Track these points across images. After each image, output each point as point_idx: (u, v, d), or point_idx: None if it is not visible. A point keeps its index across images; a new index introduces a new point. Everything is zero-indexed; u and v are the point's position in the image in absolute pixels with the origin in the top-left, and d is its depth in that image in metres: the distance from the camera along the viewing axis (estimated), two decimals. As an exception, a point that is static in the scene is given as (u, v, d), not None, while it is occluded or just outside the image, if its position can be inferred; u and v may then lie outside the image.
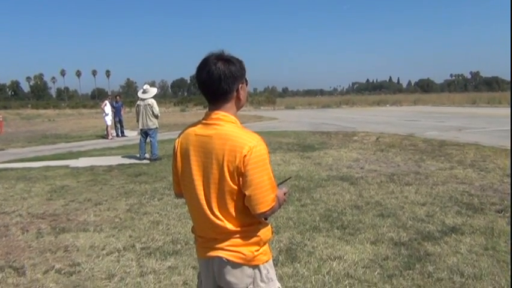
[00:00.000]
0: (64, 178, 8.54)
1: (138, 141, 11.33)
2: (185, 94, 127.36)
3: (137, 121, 10.88)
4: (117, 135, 17.75)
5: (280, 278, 3.53)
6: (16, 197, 7.01)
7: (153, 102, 10.69)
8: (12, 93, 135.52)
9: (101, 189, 7.40)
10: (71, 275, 3.88)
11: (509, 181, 6.99)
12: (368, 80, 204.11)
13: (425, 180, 7.35)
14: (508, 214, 5.24)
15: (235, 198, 1.77)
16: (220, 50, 1.82)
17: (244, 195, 1.75)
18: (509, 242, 4.26)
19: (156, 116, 10.78)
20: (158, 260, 4.14)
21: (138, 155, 11.02)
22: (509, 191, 6.29)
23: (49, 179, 8.43)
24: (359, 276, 3.65)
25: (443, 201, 5.92)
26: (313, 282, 3.54)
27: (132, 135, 17.31)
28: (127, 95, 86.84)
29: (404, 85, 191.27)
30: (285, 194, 1.93)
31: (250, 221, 1.81)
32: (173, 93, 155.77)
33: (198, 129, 1.83)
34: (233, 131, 1.76)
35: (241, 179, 1.73)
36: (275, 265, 3.82)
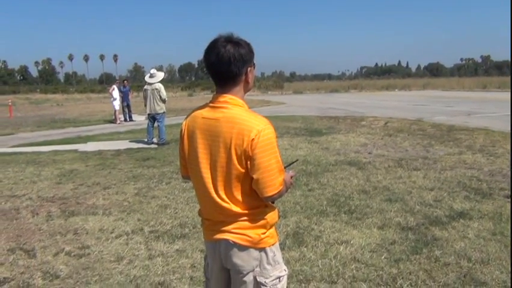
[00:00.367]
0: (73, 162, 8.61)
1: (146, 125, 11.36)
2: (193, 79, 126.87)
3: (145, 106, 10.90)
4: (125, 120, 17.81)
5: (287, 262, 3.56)
6: (26, 180, 7.09)
7: (160, 86, 10.68)
8: (21, 77, 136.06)
9: (110, 173, 7.46)
10: (81, 257, 3.93)
11: (510, 169, 6.93)
12: (376, 64, 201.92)
13: (434, 165, 7.31)
14: (517, 199, 5.21)
15: (242, 181, 1.77)
16: (229, 32, 1.81)
17: (252, 178, 1.74)
18: (510, 229, 4.23)
19: (163, 101, 10.78)
20: (166, 243, 4.19)
21: (146, 140, 11.07)
22: (510, 179, 6.24)
23: (58, 163, 8.51)
24: (366, 260, 3.66)
25: (451, 186, 5.90)
26: (320, 266, 3.56)
27: (140, 119, 17.37)
28: (135, 80, 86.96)
29: (413, 69, 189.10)
30: (292, 177, 1.93)
31: (257, 204, 1.81)
32: (180, 78, 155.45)
33: (205, 112, 1.82)
34: (241, 115, 1.75)
35: (248, 162, 1.72)
36: (282, 249, 3.84)
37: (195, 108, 1.91)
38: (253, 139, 1.69)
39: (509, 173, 6.58)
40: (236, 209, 1.78)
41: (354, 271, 3.47)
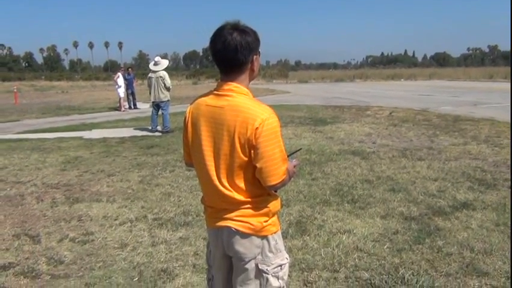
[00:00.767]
0: (78, 149, 8.65)
1: (150, 113, 11.37)
2: (198, 67, 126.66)
3: (150, 93, 10.90)
4: (129, 108, 17.83)
5: (289, 251, 3.57)
6: (31, 167, 7.14)
7: (165, 74, 10.66)
8: (26, 64, 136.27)
9: (114, 161, 7.49)
10: (85, 244, 3.97)
11: (510, 167, 6.89)
12: (382, 54, 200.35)
13: (438, 155, 7.28)
14: (521, 190, 5.19)
15: (245, 169, 1.77)
16: (236, 20, 1.79)
17: (255, 167, 1.74)
18: (510, 221, 4.22)
19: (168, 89, 10.77)
20: (169, 231, 4.21)
21: (150, 128, 11.08)
22: (510, 177, 6.22)
23: (63, 150, 8.55)
24: (368, 249, 3.67)
25: (455, 177, 5.88)
26: (323, 255, 3.58)
27: (145, 107, 17.37)
28: (139, 67, 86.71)
29: (420, 59, 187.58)
30: (295, 166, 1.92)
31: (260, 192, 1.81)
32: (185, 66, 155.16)
33: (210, 100, 1.82)
34: (245, 103, 1.74)
35: (252, 151, 1.72)
36: (285, 238, 3.86)
37: (199, 96, 1.91)
38: (257, 128, 1.69)
39: (514, 164, 6.55)
40: (239, 197, 1.79)
41: (356, 260, 3.48)
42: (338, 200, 5.03)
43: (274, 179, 1.75)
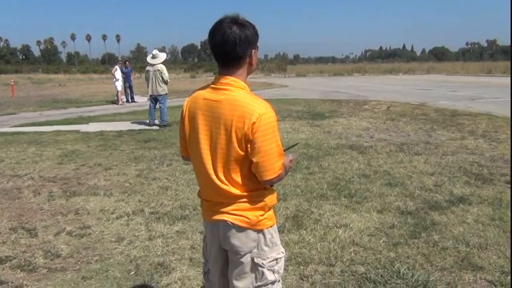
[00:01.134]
0: (75, 143, 8.63)
1: (148, 107, 11.34)
2: (196, 60, 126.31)
3: (148, 87, 10.87)
4: (127, 101, 17.80)
5: (286, 245, 3.59)
6: (28, 160, 7.12)
7: (162, 67, 10.62)
8: (23, 57, 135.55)
9: (111, 154, 7.48)
10: (82, 237, 3.97)
11: (510, 165, 6.91)
12: (381, 48, 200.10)
13: (435, 150, 7.30)
14: (518, 185, 5.21)
15: (242, 164, 1.77)
16: (235, 13, 1.78)
17: (251, 161, 1.74)
18: (509, 215, 4.24)
19: (165, 82, 10.74)
20: (166, 225, 4.22)
21: (148, 121, 11.07)
22: (510, 174, 6.24)
23: (60, 143, 8.54)
24: (364, 243, 3.68)
25: (452, 171, 5.90)
26: (319, 249, 3.59)
27: (142, 100, 17.33)
28: (137, 61, 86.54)
29: (418, 53, 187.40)
30: (291, 161, 1.92)
31: (256, 186, 1.82)
32: (183, 59, 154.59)
33: (207, 94, 1.81)
34: (243, 97, 1.74)
35: (249, 145, 1.72)
36: (282, 232, 3.87)
37: (197, 89, 1.90)
38: (254, 122, 1.69)
39: (510, 158, 6.57)
40: (235, 191, 1.79)
41: (352, 254, 3.49)
42: (334, 194, 5.04)
43: (270, 174, 1.76)
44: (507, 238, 3.73)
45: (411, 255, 3.46)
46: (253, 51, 1.79)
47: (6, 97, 21.34)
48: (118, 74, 17.43)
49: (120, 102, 17.13)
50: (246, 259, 1.86)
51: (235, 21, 1.75)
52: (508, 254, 3.44)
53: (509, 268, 3.20)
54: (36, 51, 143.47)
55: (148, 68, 10.83)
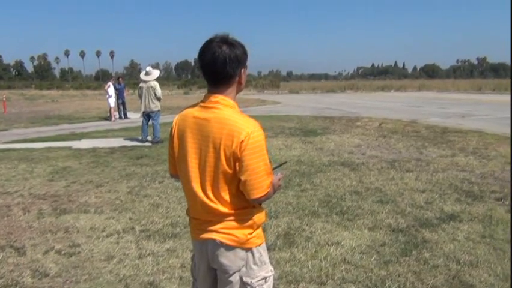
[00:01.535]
0: (66, 159, 8.58)
1: (141, 123, 11.33)
2: (189, 77, 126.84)
3: (141, 103, 10.88)
4: (120, 117, 17.78)
5: (277, 263, 3.58)
6: (18, 177, 7.06)
7: (156, 84, 10.65)
8: (16, 73, 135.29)
9: (103, 171, 7.44)
10: (71, 256, 3.92)
11: (510, 169, 6.97)
12: (373, 65, 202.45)
13: (426, 167, 7.34)
14: (508, 202, 5.25)
15: (230, 182, 1.77)
16: (225, 33, 1.81)
17: (239, 180, 1.75)
18: (510, 230, 4.27)
19: (158, 99, 10.76)
20: (157, 243, 4.18)
21: (140, 138, 11.04)
22: (510, 179, 6.28)
23: (51, 160, 8.48)
24: (356, 261, 3.67)
25: (443, 188, 5.93)
26: (310, 267, 3.57)
27: (135, 117, 17.30)
28: (131, 77, 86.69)
29: (410, 70, 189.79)
30: (280, 179, 1.93)
31: (245, 204, 1.82)
32: (177, 76, 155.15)
33: (196, 112, 1.83)
34: (231, 116, 1.76)
35: (237, 164, 1.73)
36: (273, 250, 3.87)
37: (186, 107, 1.92)
38: (242, 141, 1.70)
39: (500, 175, 6.63)
40: (223, 209, 1.79)
41: (343, 272, 3.48)
42: (326, 211, 5.04)
43: (258, 192, 1.76)
44: (497, 256, 3.75)
45: (402, 273, 3.45)
46: (242, 70, 1.82)
47: (-2, 113, 21.23)
48: (111, 90, 17.45)
49: (113, 119, 17.11)
50: (235, 278, 1.86)
51: (225, 40, 1.78)
52: (499, 271, 3.44)
53: (508, 278, 3.20)
54: (29, 67, 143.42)
55: (141, 84, 10.86)
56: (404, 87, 51.06)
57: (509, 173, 6.71)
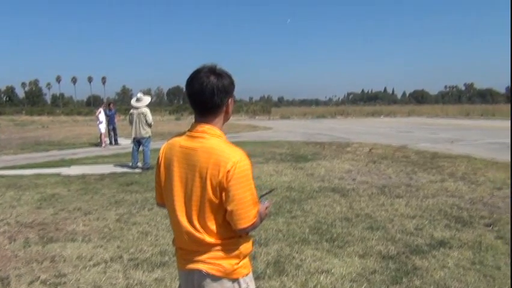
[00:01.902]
0: (55, 186, 8.49)
1: (131, 149, 11.29)
2: (181, 102, 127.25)
3: (131, 130, 10.87)
4: (110, 143, 17.71)
5: (266, 292, 3.52)
6: (5, 205, 6.96)
7: (147, 110, 10.68)
8: (7, 99, 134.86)
9: (92, 198, 7.37)
10: (56, 286, 3.84)
11: (499, 194, 7.03)
12: (363, 91, 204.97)
13: (416, 192, 7.37)
14: (497, 228, 5.27)
15: (216, 212, 1.77)
16: (213, 63, 1.85)
17: (226, 209, 1.75)
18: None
19: (149, 125, 10.77)
20: (145, 272, 4.12)
21: (130, 164, 10.99)
22: (499, 205, 6.33)
23: (40, 187, 8.39)
24: (346, 290, 3.64)
25: (433, 214, 5.94)
26: (300, 296, 3.53)
27: (126, 143, 17.25)
28: (123, 102, 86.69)
29: (399, 96, 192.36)
30: (266, 208, 1.94)
31: (231, 234, 1.81)
32: (169, 101, 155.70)
33: (183, 141, 1.84)
34: (218, 145, 1.77)
35: (223, 193, 1.73)
36: (262, 278, 3.82)
37: (174, 135, 1.94)
38: (228, 171, 1.71)
39: (489, 201, 6.67)
40: (209, 239, 1.78)
41: (333, 301, 3.44)
42: (316, 238, 5.01)
43: (244, 222, 1.76)
44: (487, 282, 3.74)
45: (392, 302, 3.42)
46: (229, 100, 1.85)
47: (-13, 139, 21.05)
48: (102, 116, 17.45)
49: (103, 145, 17.03)
50: (221, 309, 1.83)
51: (213, 71, 1.81)
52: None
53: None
54: (20, 93, 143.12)
55: (132, 110, 10.87)
56: (394, 113, 51.70)
57: (499, 199, 6.76)
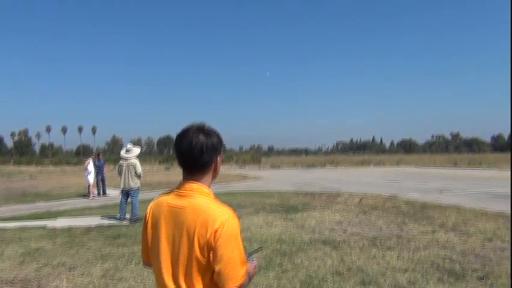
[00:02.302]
0: (40, 240, 8.27)
1: (119, 201, 11.15)
2: (171, 152, 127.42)
3: (120, 181, 10.79)
4: (99, 194, 17.49)
5: None
6: (-13, 260, 6.73)
7: (136, 162, 10.65)
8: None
9: (77, 252, 7.17)
10: None
11: (490, 246, 7.00)
12: (351, 140, 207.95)
13: (407, 244, 7.31)
14: (489, 281, 5.20)
15: (204, 272, 1.74)
16: (201, 122, 1.88)
17: (213, 270, 1.72)
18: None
19: (139, 176, 10.71)
20: (130, 332, 3.95)
21: (118, 216, 10.81)
22: (490, 257, 6.29)
23: (24, 241, 8.16)
24: None
25: (425, 267, 5.86)
26: None
27: (114, 193, 17.06)
28: (112, 152, 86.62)
29: (387, 145, 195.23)
30: (255, 267, 1.91)
31: (218, 295, 1.77)
32: (159, 151, 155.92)
33: (171, 199, 1.83)
34: (206, 204, 1.76)
35: (211, 253, 1.71)
36: (251, 338, 3.68)
37: (161, 193, 1.93)
38: (216, 230, 1.69)
39: (481, 252, 6.63)
40: (196, 300, 1.74)
41: None
42: (308, 294, 4.89)
43: (232, 283, 1.72)
44: None
45: None
46: (218, 157, 1.87)
47: (-28, 190, 20.67)
48: (91, 166, 17.35)
49: (91, 196, 16.81)
50: None
51: (202, 129, 1.84)
52: None
53: None
54: (9, 143, 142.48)
55: (121, 162, 10.84)
56: (383, 162, 52.15)
57: (490, 251, 6.73)
